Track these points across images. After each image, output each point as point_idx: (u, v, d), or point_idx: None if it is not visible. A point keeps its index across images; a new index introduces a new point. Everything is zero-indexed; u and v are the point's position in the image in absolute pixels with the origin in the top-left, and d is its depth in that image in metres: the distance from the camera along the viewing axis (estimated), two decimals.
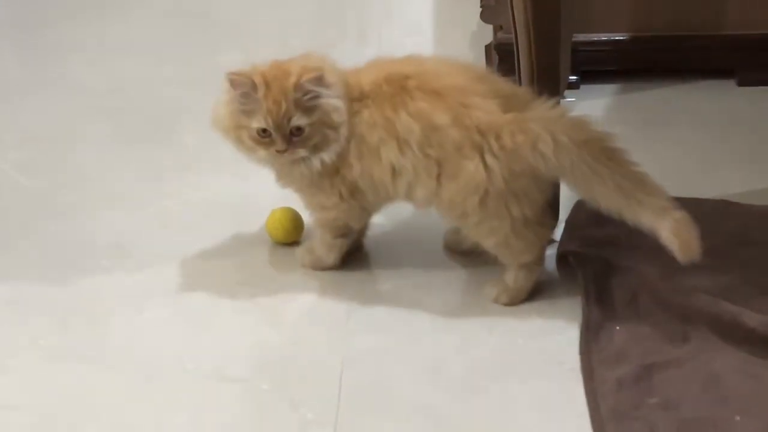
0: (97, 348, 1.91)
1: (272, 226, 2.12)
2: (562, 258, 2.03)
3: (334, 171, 1.93)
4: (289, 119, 1.86)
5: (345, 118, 1.89)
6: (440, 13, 3.16)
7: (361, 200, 1.97)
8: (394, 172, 1.90)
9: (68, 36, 3.08)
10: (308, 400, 1.77)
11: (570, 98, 2.51)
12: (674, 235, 1.80)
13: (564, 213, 2.12)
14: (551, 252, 2.03)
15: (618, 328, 1.87)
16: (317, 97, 1.87)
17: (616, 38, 2.64)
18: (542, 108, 1.87)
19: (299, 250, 2.09)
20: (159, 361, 1.87)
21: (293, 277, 2.06)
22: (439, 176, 1.88)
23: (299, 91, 1.86)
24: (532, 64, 1.98)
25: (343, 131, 1.89)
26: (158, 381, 1.83)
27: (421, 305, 1.97)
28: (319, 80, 1.86)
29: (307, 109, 1.87)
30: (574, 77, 2.62)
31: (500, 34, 2.61)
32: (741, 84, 2.64)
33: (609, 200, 1.84)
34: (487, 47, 2.73)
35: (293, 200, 2.06)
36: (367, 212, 2.03)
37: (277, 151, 1.89)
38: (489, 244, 1.95)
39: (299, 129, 1.87)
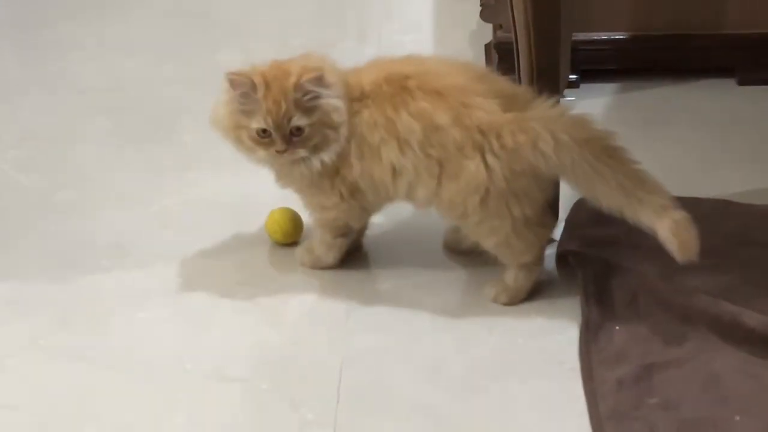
0: (97, 347, 1.91)
1: (271, 227, 2.12)
2: (561, 258, 2.03)
3: (335, 171, 1.93)
4: (289, 119, 1.86)
5: (345, 118, 1.89)
6: (440, 12, 3.16)
7: (361, 200, 1.97)
8: (395, 172, 1.90)
9: (68, 35, 3.08)
10: (308, 399, 1.77)
11: (570, 97, 2.51)
12: (673, 234, 1.79)
13: (564, 213, 2.11)
14: (551, 252, 2.03)
15: (618, 328, 1.87)
16: (317, 97, 1.86)
17: (616, 37, 2.64)
18: (543, 107, 1.87)
19: (298, 250, 2.09)
20: (159, 360, 1.87)
21: (293, 277, 2.06)
22: (439, 176, 1.88)
23: (299, 91, 1.85)
24: (532, 63, 1.98)
25: (343, 131, 1.89)
26: (158, 380, 1.83)
27: (421, 305, 1.97)
28: (319, 80, 1.86)
29: (307, 110, 1.87)
30: (574, 76, 2.62)
31: (500, 33, 2.61)
32: (741, 83, 2.64)
33: (610, 199, 1.84)
34: (487, 46, 2.73)
35: (293, 199, 2.06)
36: (367, 212, 2.03)
37: (277, 152, 1.88)
38: (489, 243, 1.95)
39: (299, 129, 1.87)
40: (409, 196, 1.93)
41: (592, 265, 1.99)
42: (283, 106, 1.85)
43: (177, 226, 2.21)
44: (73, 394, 1.81)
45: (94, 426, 1.75)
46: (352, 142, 1.90)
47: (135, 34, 3.08)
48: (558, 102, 1.91)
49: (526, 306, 1.97)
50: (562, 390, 1.78)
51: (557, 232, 2.06)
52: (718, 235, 2.05)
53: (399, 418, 1.74)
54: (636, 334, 1.86)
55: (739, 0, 2.59)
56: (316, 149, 1.89)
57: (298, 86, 1.85)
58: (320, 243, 2.06)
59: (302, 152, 1.89)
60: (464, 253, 2.07)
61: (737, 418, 1.69)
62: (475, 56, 2.75)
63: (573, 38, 2.52)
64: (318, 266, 2.07)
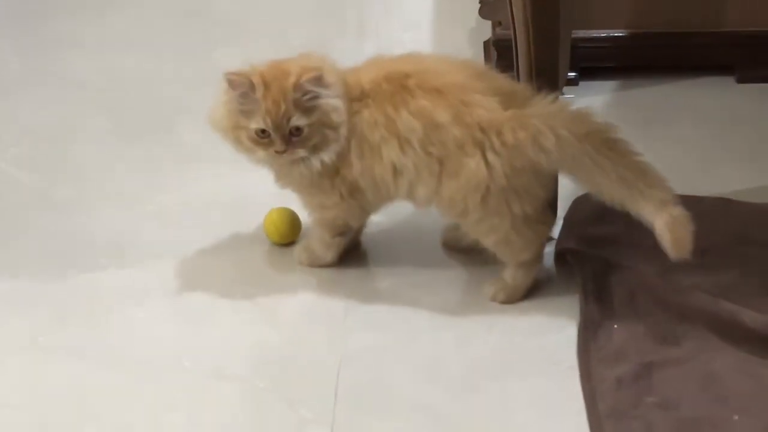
0: (95, 345, 1.91)
1: (269, 228, 2.12)
2: (560, 256, 2.03)
3: (335, 171, 1.92)
4: (288, 120, 1.86)
5: (344, 117, 1.88)
6: (439, 9, 3.16)
7: (360, 200, 1.96)
8: (396, 171, 1.90)
9: (67, 31, 3.08)
10: (306, 398, 1.77)
11: (569, 95, 2.51)
12: (668, 230, 1.79)
13: (562, 211, 2.11)
14: (549, 250, 2.03)
15: (616, 326, 1.87)
16: (316, 97, 1.86)
17: (616, 35, 2.64)
18: (542, 103, 1.87)
19: (297, 249, 2.09)
20: (157, 358, 1.87)
21: (291, 276, 2.06)
22: (440, 174, 1.88)
23: (298, 91, 1.85)
24: (531, 61, 1.98)
25: (343, 131, 1.89)
26: (156, 379, 1.83)
27: (419, 303, 1.97)
28: (319, 80, 1.85)
29: (307, 110, 1.86)
30: (573, 74, 2.62)
31: (499, 31, 2.61)
32: (740, 81, 2.64)
33: (612, 192, 1.84)
34: (486, 43, 2.73)
35: (291, 198, 2.05)
36: (366, 212, 2.03)
37: (276, 152, 1.88)
38: (489, 241, 1.95)
39: (298, 129, 1.87)
40: (410, 194, 1.93)
41: (591, 263, 1.99)
42: (282, 107, 1.85)
43: (176, 225, 2.21)
44: (71, 393, 1.81)
45: (92, 424, 1.75)
46: (353, 141, 1.90)
47: (135, 32, 3.08)
48: (557, 97, 1.90)
49: (524, 304, 1.97)
50: (561, 389, 1.78)
51: (556, 231, 2.06)
52: (717, 234, 2.05)
53: (397, 417, 1.74)
54: (635, 332, 1.86)
55: None
56: (315, 149, 1.89)
57: (297, 86, 1.85)
58: (319, 241, 2.06)
59: (302, 152, 1.88)
60: (463, 251, 2.07)
61: (736, 417, 1.69)
62: (474, 53, 2.75)
63: (572, 35, 2.51)
64: (316, 264, 2.07)
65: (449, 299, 1.99)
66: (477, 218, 1.90)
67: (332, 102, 1.87)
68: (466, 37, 2.92)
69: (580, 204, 2.14)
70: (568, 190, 2.13)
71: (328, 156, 1.89)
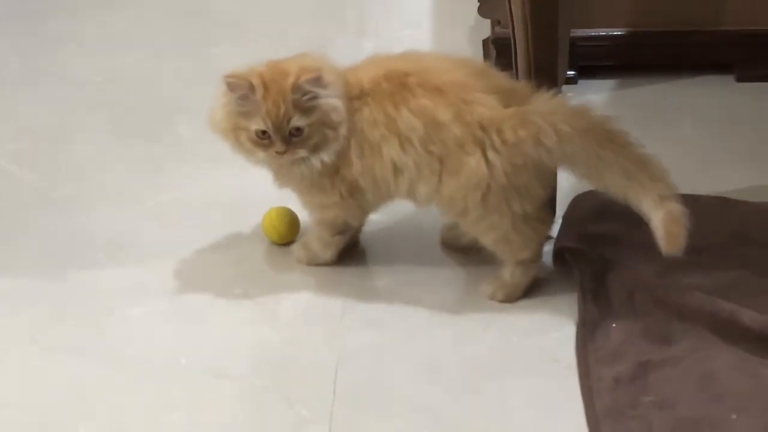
0: (94, 343, 1.91)
1: (267, 228, 2.12)
2: (558, 254, 2.03)
3: (335, 170, 1.92)
4: (288, 120, 1.86)
5: (344, 117, 1.88)
6: (438, 7, 3.16)
7: (360, 200, 1.96)
8: (396, 170, 1.90)
9: (67, 30, 3.08)
10: (304, 397, 1.77)
11: (568, 94, 2.51)
12: (663, 225, 1.80)
13: (561, 209, 2.11)
14: (548, 248, 2.03)
15: (614, 325, 1.87)
16: (315, 97, 1.86)
17: (615, 33, 2.64)
18: (542, 100, 1.87)
19: (295, 247, 2.09)
20: (155, 356, 1.87)
21: (290, 274, 2.06)
22: (440, 173, 1.88)
23: (298, 91, 1.85)
24: (530, 59, 1.98)
25: (343, 130, 1.88)
26: (154, 377, 1.83)
27: (417, 302, 1.97)
28: (318, 81, 1.85)
29: (306, 110, 1.86)
30: (572, 72, 2.62)
31: (498, 29, 2.61)
32: (739, 80, 2.64)
33: (615, 184, 1.84)
34: (485, 42, 2.73)
35: (290, 197, 2.05)
36: (365, 211, 2.03)
37: (277, 153, 1.88)
38: (488, 240, 1.95)
39: (298, 130, 1.87)
40: (410, 193, 1.93)
41: (589, 262, 1.99)
42: (282, 108, 1.85)
43: (175, 224, 2.21)
44: (70, 391, 1.81)
45: (91, 423, 1.75)
46: (353, 140, 1.90)
47: (135, 31, 3.08)
48: (556, 94, 1.90)
49: (523, 303, 1.97)
50: (559, 388, 1.78)
51: (555, 229, 2.06)
52: (715, 233, 2.05)
53: (395, 416, 1.74)
54: (633, 331, 1.86)
55: None
56: (315, 149, 1.89)
57: (296, 87, 1.84)
58: (318, 240, 2.06)
59: (302, 152, 1.88)
60: (461, 250, 2.07)
61: (733, 416, 1.69)
62: (474, 52, 2.75)
63: (571, 34, 2.51)
64: (315, 263, 2.07)
65: (447, 298, 1.99)
66: (477, 216, 1.90)
67: (331, 101, 1.87)
68: (465, 35, 2.93)
69: (579, 203, 2.14)
70: (567, 189, 2.13)
71: (328, 155, 1.89)
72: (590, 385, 1.76)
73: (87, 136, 2.55)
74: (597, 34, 2.64)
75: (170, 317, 1.97)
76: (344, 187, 1.94)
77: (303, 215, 2.10)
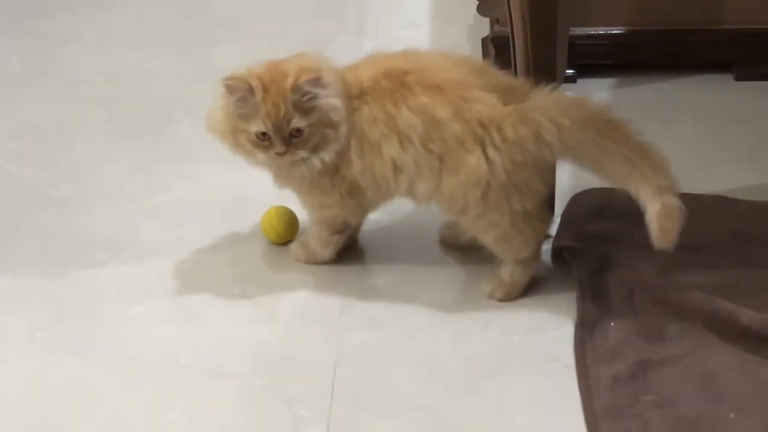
0: (93, 342, 1.91)
1: (266, 228, 2.12)
2: (557, 253, 2.03)
3: (335, 170, 1.92)
4: (288, 121, 1.85)
5: (344, 116, 1.88)
6: (437, 6, 3.16)
7: (360, 199, 1.96)
8: (396, 168, 1.90)
9: (67, 29, 3.08)
10: (302, 396, 1.77)
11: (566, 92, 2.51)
12: (657, 219, 1.80)
13: (560, 208, 2.11)
14: (546, 247, 2.03)
15: (613, 324, 1.87)
16: (315, 97, 1.85)
17: (614, 32, 2.64)
18: (540, 96, 1.87)
19: (293, 245, 2.09)
20: (153, 355, 1.88)
21: (288, 273, 2.06)
22: (440, 171, 1.88)
23: (297, 92, 1.84)
24: (529, 58, 1.98)
25: (343, 130, 1.88)
26: (153, 376, 1.83)
27: (416, 301, 1.97)
28: (317, 81, 1.84)
29: (306, 110, 1.86)
30: (571, 71, 2.62)
31: (497, 28, 2.61)
32: (738, 79, 2.64)
33: (617, 173, 1.84)
34: (484, 41, 2.73)
35: (290, 197, 2.05)
36: (365, 210, 2.03)
37: (277, 154, 1.87)
38: (487, 238, 1.95)
39: (299, 131, 1.86)
40: (410, 191, 1.93)
41: (588, 260, 1.99)
42: (282, 109, 1.84)
43: (174, 223, 2.21)
44: (69, 390, 1.81)
45: (89, 421, 1.75)
46: (352, 139, 1.90)
47: (134, 30, 3.08)
48: (554, 88, 1.90)
49: (521, 302, 1.97)
50: (557, 387, 1.78)
51: (553, 228, 2.06)
52: (715, 232, 2.05)
53: (393, 415, 1.74)
54: (631, 330, 1.86)
55: None
56: (315, 149, 1.89)
57: (295, 88, 1.84)
58: (317, 239, 2.06)
59: (302, 153, 1.88)
60: (460, 249, 2.07)
61: (732, 415, 1.68)
62: (473, 50, 2.75)
63: (570, 33, 2.51)
64: (313, 261, 2.07)
65: (446, 296, 1.99)
66: (477, 214, 1.90)
67: (331, 101, 1.87)
68: (464, 34, 2.92)
69: (577, 201, 2.14)
70: (565, 188, 2.13)
71: (328, 155, 1.89)
72: (589, 384, 1.76)
73: (87, 136, 2.56)
74: (596, 32, 2.64)
75: (169, 316, 1.97)
76: (344, 187, 1.94)
77: (302, 215, 2.10)
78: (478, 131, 1.85)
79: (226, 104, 1.88)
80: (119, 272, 2.08)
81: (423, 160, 1.88)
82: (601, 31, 2.64)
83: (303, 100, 1.85)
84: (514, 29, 1.98)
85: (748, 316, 1.81)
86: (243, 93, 1.85)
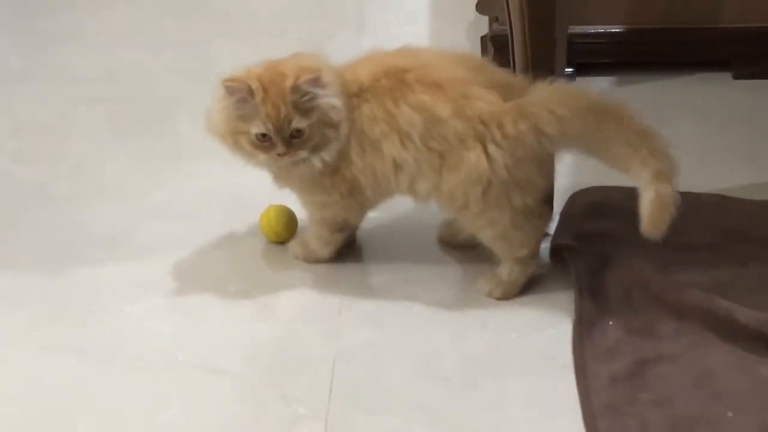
0: (90, 339, 1.91)
1: (265, 228, 2.12)
2: (555, 251, 2.03)
3: (335, 169, 1.92)
4: (288, 122, 1.85)
5: (344, 115, 1.88)
6: (436, 4, 3.16)
7: (360, 198, 1.96)
8: (396, 166, 1.90)
9: (66, 27, 3.08)
10: (300, 394, 1.77)
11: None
12: (649, 206, 1.80)
13: (558, 206, 2.11)
14: (545, 245, 2.03)
15: (611, 323, 1.87)
16: (315, 97, 1.85)
17: (612, 30, 2.64)
18: (537, 90, 1.87)
19: (292, 244, 2.09)
20: (152, 353, 1.88)
21: (287, 272, 2.06)
22: (441, 168, 1.88)
23: (297, 93, 1.84)
24: (527, 56, 1.98)
25: (343, 129, 1.88)
26: (150, 373, 1.83)
27: (415, 299, 1.97)
28: (317, 81, 1.84)
29: (306, 111, 1.86)
30: (570, 70, 2.61)
31: (496, 26, 2.61)
32: (737, 77, 2.64)
33: (620, 156, 1.84)
34: (483, 39, 2.73)
35: (290, 196, 2.05)
36: (365, 209, 2.03)
37: (278, 155, 1.87)
38: (487, 236, 1.95)
39: (299, 131, 1.86)
40: (411, 189, 1.93)
41: (586, 259, 1.99)
42: (282, 110, 1.84)
43: (171, 218, 2.21)
44: (67, 387, 1.81)
45: (87, 418, 1.75)
46: (353, 138, 1.89)
47: (133, 28, 3.08)
48: (552, 81, 1.90)
49: (520, 300, 1.97)
50: (556, 385, 1.78)
51: (552, 227, 2.06)
52: (713, 231, 2.05)
53: (391, 413, 1.74)
54: (630, 329, 1.86)
55: None
56: (316, 149, 1.88)
57: (295, 88, 1.84)
58: (317, 238, 2.06)
59: (303, 153, 1.88)
60: (459, 247, 2.08)
61: (730, 414, 1.69)
62: (472, 49, 2.75)
63: (569, 31, 2.51)
64: (311, 260, 2.07)
65: (445, 295, 1.99)
66: (477, 212, 1.90)
67: (331, 101, 1.87)
68: (463, 32, 2.92)
69: (576, 200, 2.14)
70: (564, 186, 2.13)
71: (329, 155, 1.89)
72: (587, 382, 1.76)
73: (86, 134, 2.56)
74: (595, 31, 2.64)
75: (167, 313, 1.97)
76: (344, 186, 1.94)
77: (300, 213, 2.10)
78: (479, 128, 1.85)
79: (226, 106, 1.88)
80: (118, 270, 2.08)
81: (423, 158, 1.88)
82: (599, 29, 2.64)
83: (303, 101, 1.85)
84: (513, 27, 1.98)
85: (746, 314, 1.81)
86: (243, 94, 1.85)
